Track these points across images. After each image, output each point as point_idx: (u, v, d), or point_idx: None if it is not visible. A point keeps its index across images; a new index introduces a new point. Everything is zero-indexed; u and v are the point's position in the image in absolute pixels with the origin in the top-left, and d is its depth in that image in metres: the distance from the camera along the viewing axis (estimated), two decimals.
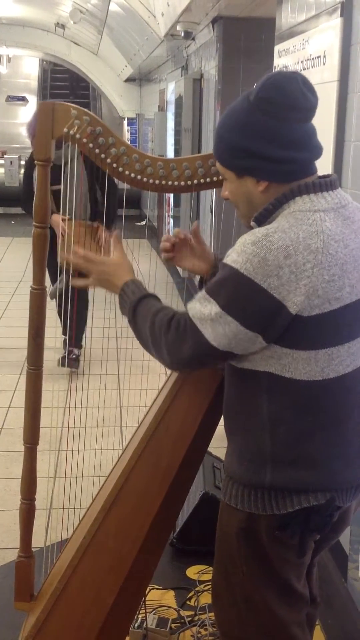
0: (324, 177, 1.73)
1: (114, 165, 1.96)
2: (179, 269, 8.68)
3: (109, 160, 1.95)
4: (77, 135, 1.91)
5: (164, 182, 2.00)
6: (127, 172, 1.97)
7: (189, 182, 2.00)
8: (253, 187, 1.72)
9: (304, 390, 1.69)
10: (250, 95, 1.68)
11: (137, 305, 1.83)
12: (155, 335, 1.75)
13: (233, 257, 1.63)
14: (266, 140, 1.65)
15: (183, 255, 2.10)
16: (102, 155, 1.95)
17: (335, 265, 1.62)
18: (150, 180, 1.99)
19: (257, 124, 1.65)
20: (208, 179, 1.99)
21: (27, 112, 17.44)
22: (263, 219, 1.70)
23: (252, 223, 1.71)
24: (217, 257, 2.09)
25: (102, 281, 1.94)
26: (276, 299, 1.59)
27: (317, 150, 1.71)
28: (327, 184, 1.70)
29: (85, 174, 4.98)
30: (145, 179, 1.98)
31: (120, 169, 1.97)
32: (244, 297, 1.61)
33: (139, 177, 1.97)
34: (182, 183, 2.00)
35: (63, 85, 18.49)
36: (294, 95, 1.64)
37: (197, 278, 2.16)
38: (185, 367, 1.83)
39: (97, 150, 1.94)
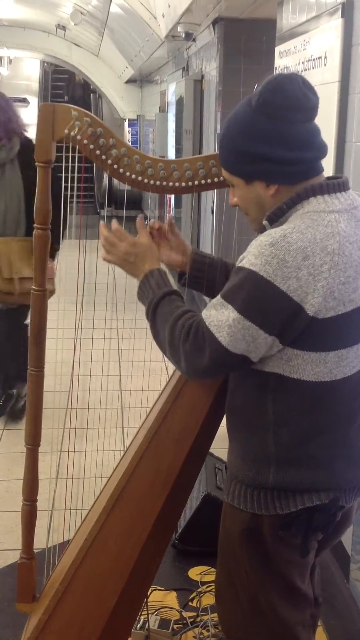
0: (335, 177, 1.73)
1: (115, 166, 1.96)
2: None
3: (109, 162, 1.95)
4: (78, 137, 1.91)
5: (164, 183, 1.99)
6: (127, 173, 1.97)
7: (190, 183, 2.00)
8: (263, 192, 1.71)
9: (311, 391, 1.69)
10: (252, 100, 1.68)
11: (159, 302, 1.81)
12: (175, 342, 1.73)
13: (251, 260, 1.61)
14: (272, 143, 1.65)
15: (161, 248, 2.07)
16: (103, 157, 1.94)
17: (350, 267, 1.62)
18: (151, 182, 1.99)
19: (261, 127, 1.65)
20: (209, 180, 1.99)
21: (28, 114, 17.43)
22: (276, 218, 1.69)
23: (264, 222, 1.70)
24: (195, 251, 2.08)
25: (126, 262, 1.91)
26: (295, 302, 1.58)
27: (322, 149, 1.72)
28: (340, 185, 1.70)
29: (22, 182, 4.14)
30: (146, 180, 1.98)
31: (121, 170, 1.97)
32: (263, 301, 1.59)
33: (139, 178, 1.97)
34: (183, 184, 2.00)
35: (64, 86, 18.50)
36: (295, 96, 1.64)
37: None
38: (202, 376, 1.81)
39: (97, 152, 1.94)
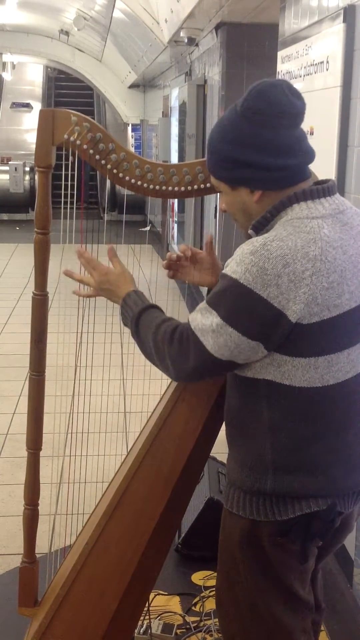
0: (322, 182, 1.73)
1: (114, 171, 1.97)
2: None
3: (109, 166, 1.96)
4: (78, 142, 1.92)
5: (164, 187, 2.00)
6: (127, 178, 1.98)
7: (189, 188, 2.01)
8: (247, 198, 1.72)
9: (304, 397, 1.69)
10: (237, 106, 1.69)
11: (139, 316, 1.84)
12: (159, 347, 1.75)
13: (232, 268, 1.62)
14: (256, 150, 1.65)
15: (188, 269, 2.10)
16: (103, 161, 1.95)
17: (334, 272, 1.62)
18: (151, 186, 1.99)
19: (245, 134, 1.66)
20: (208, 184, 1.99)
21: (31, 119, 17.49)
22: (261, 227, 1.69)
23: (250, 231, 1.71)
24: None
25: (104, 290, 1.96)
26: (276, 308, 1.58)
27: (308, 155, 1.71)
28: (325, 190, 1.70)
29: None
30: (145, 185, 1.99)
31: (121, 175, 1.97)
32: (244, 307, 1.61)
33: (139, 182, 1.98)
34: (183, 188, 2.01)
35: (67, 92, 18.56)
36: (279, 102, 1.64)
37: (206, 289, 2.16)
38: (189, 379, 1.82)
39: (97, 157, 1.95)
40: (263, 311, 1.59)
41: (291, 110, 1.65)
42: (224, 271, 1.65)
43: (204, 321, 1.66)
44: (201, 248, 2.12)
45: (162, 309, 1.89)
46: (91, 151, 1.94)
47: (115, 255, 1.98)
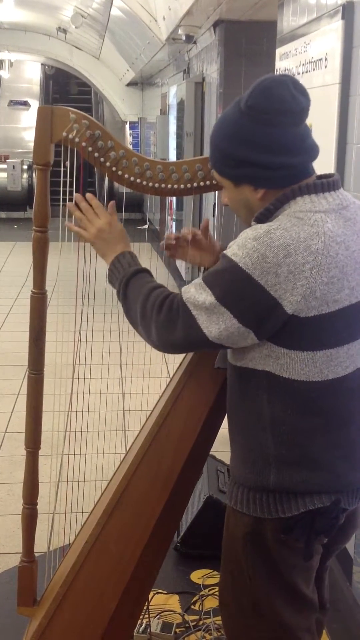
0: (326, 177, 1.72)
1: (113, 168, 1.96)
2: (181, 272, 8.70)
3: (108, 164, 1.95)
4: (76, 139, 1.91)
5: (163, 185, 2.00)
6: (126, 176, 1.97)
7: (189, 185, 2.00)
8: (251, 195, 1.72)
9: (303, 391, 1.69)
10: (240, 103, 1.67)
11: (132, 276, 1.83)
12: (147, 313, 1.74)
13: (234, 250, 1.63)
14: (259, 148, 1.65)
15: (186, 249, 2.09)
16: (102, 159, 1.94)
17: (335, 267, 1.61)
18: (150, 184, 1.99)
19: (248, 132, 1.65)
20: (208, 182, 1.99)
21: (29, 117, 17.47)
22: (264, 218, 1.69)
23: (252, 222, 1.71)
24: (222, 247, 2.08)
25: (101, 240, 1.94)
26: (272, 297, 1.58)
27: (312, 152, 1.71)
28: (329, 185, 1.69)
29: None
30: (144, 182, 1.98)
31: (120, 173, 1.97)
32: (240, 291, 1.61)
33: (138, 180, 1.97)
34: (182, 186, 2.00)
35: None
36: (283, 100, 1.63)
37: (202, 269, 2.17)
38: (172, 350, 1.79)
39: (96, 154, 1.94)
40: (258, 298, 1.59)
41: (295, 107, 1.64)
42: (225, 252, 1.65)
43: (197, 297, 1.66)
44: None
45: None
46: (90, 149, 1.93)
47: (116, 213, 1.96)
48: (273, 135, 1.64)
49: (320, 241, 1.60)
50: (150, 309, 1.74)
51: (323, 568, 1.99)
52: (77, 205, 1.96)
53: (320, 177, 1.72)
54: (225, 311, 1.62)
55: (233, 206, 1.79)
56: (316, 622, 1.95)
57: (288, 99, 1.63)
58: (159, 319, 1.72)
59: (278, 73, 4.10)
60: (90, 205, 1.96)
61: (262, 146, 1.64)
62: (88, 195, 1.95)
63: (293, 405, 1.70)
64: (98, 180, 15.84)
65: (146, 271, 1.87)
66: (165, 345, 1.75)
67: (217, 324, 1.64)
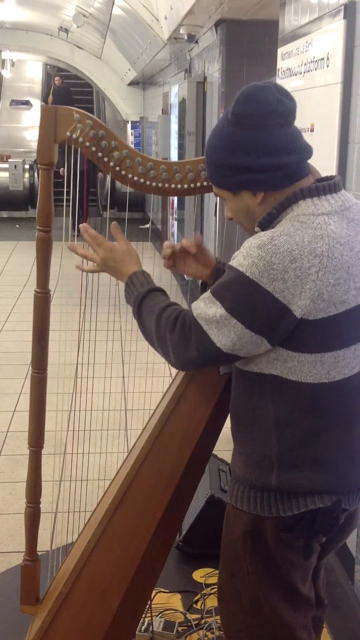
0: (327, 179, 1.73)
1: (117, 168, 1.96)
2: None
3: (112, 164, 1.95)
4: (80, 139, 1.91)
5: (166, 185, 2.00)
6: (130, 175, 1.97)
7: (192, 185, 2.00)
8: (251, 201, 1.72)
9: (310, 392, 1.69)
10: (227, 114, 1.70)
11: (144, 298, 1.83)
12: (161, 333, 1.75)
13: (239, 260, 1.63)
14: (252, 152, 1.66)
15: (185, 261, 2.09)
16: (105, 159, 1.95)
17: (340, 268, 1.62)
18: (153, 184, 1.99)
19: (239, 139, 1.67)
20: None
21: (31, 116, 17.48)
22: (267, 223, 1.69)
23: (256, 228, 1.71)
24: (219, 261, 2.09)
25: (109, 267, 1.94)
26: (281, 303, 1.59)
27: (305, 151, 1.72)
28: (331, 187, 1.70)
29: None
30: (148, 182, 1.98)
31: (123, 172, 1.97)
32: (249, 301, 1.61)
33: (141, 180, 1.97)
34: (185, 186, 2.00)
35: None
36: (268, 102, 1.65)
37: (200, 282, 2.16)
38: (189, 367, 1.81)
39: (100, 154, 1.94)
40: (268, 305, 1.59)
41: (281, 109, 1.66)
42: (230, 263, 1.66)
43: (207, 311, 1.66)
44: None
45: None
46: (94, 148, 1.93)
47: (120, 232, 1.96)
48: (263, 137, 1.65)
49: (325, 243, 1.61)
50: (164, 329, 1.74)
51: (319, 566, 2.00)
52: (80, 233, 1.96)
53: (321, 179, 1.73)
54: (237, 322, 1.62)
55: (236, 217, 1.80)
56: (314, 619, 1.96)
57: (273, 102, 1.66)
58: (173, 338, 1.72)
59: (280, 73, 4.11)
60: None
61: (254, 150, 1.66)
62: (82, 226, 1.94)
63: (298, 407, 1.71)
64: (100, 181, 15.83)
65: (158, 290, 1.86)
66: (183, 363, 1.76)
67: (229, 335, 1.64)
